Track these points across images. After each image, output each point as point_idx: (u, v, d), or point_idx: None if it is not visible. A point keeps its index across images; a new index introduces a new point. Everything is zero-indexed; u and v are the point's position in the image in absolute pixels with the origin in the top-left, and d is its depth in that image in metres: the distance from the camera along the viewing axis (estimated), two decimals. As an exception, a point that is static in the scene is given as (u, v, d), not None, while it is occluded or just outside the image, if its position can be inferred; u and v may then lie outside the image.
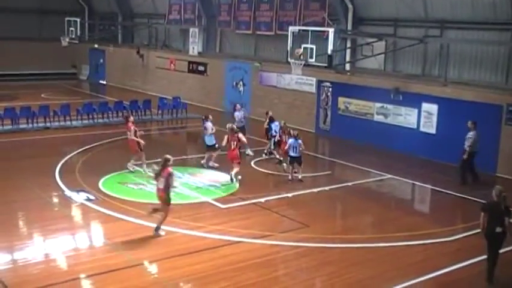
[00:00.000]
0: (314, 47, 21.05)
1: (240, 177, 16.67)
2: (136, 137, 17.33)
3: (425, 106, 20.48)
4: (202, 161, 18.41)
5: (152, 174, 14.16)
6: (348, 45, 24.86)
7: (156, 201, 12.86)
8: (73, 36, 35.72)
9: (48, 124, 24.12)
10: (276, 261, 11.70)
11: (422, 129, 20.66)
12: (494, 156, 18.31)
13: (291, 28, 22.43)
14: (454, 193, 16.44)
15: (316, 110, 24.74)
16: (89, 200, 14.78)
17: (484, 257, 11.04)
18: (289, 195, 15.79)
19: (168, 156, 12.69)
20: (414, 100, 20.77)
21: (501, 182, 14.94)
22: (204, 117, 18.85)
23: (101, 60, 40.43)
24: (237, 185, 16.39)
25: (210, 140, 18.25)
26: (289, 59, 21.70)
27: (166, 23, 36.36)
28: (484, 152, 17.36)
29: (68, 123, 24.56)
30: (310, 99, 24.95)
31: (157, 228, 12.53)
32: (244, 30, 30.11)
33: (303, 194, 16.07)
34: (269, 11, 28.26)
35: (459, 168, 17.39)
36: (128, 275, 10.70)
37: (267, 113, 20.10)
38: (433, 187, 17.22)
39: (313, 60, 21.10)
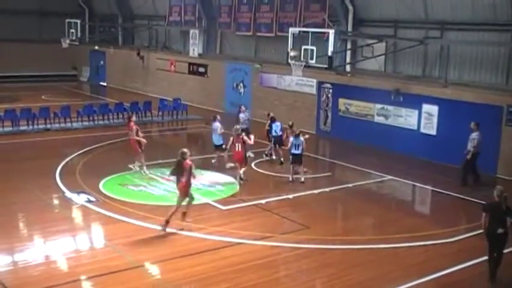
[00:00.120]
0: (314, 48, 21.04)
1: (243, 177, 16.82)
2: (138, 137, 17.36)
3: (426, 107, 20.48)
4: (212, 161, 18.43)
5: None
6: (348, 46, 24.87)
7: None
8: (73, 38, 35.71)
9: (48, 126, 24.13)
10: (277, 262, 11.69)
11: (422, 130, 20.66)
12: (494, 157, 18.29)
13: (291, 29, 22.42)
14: (454, 194, 16.43)
15: (316, 112, 24.74)
16: (89, 201, 14.78)
17: (485, 258, 11.05)
18: (290, 196, 15.78)
19: (185, 149, 13.01)
20: (414, 101, 20.77)
21: (501, 183, 14.84)
22: (212, 117, 18.89)
23: (102, 62, 40.44)
24: (238, 186, 16.42)
25: (217, 140, 18.30)
26: (289, 61, 21.71)
27: (167, 24, 36.39)
28: (484, 153, 17.33)
29: (69, 125, 24.56)
30: (311, 100, 24.95)
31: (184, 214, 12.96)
32: (244, 31, 30.13)
33: (303, 195, 16.06)
34: (269, 12, 28.29)
35: (461, 169, 17.37)
36: (129, 276, 10.70)
37: (268, 115, 20.09)
38: (433, 188, 17.21)
39: (314, 61, 21.09)
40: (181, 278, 10.67)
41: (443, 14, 21.60)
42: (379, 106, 22.12)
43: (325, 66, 21.48)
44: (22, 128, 23.57)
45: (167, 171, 17.55)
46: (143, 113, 27.07)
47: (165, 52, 35.96)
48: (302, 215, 14.66)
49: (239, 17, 30.25)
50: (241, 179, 16.64)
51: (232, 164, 17.80)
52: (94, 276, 10.62)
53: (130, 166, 17.70)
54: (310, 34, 21.39)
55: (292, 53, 21.29)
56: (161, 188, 16.18)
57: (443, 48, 21.56)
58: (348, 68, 24.71)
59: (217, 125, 18.32)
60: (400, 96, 21.24)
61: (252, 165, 18.75)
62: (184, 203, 13.02)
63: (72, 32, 35.70)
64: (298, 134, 17.04)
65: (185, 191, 12.93)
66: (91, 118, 25.59)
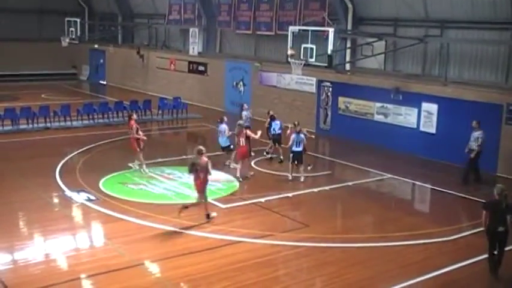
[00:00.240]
0: (314, 46, 21.05)
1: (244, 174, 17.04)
2: (138, 135, 17.36)
3: (425, 106, 20.48)
4: (226, 163, 18.31)
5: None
6: (348, 45, 24.87)
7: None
8: (73, 37, 35.74)
9: (48, 124, 24.14)
10: (277, 261, 11.70)
11: (422, 128, 20.66)
12: (494, 155, 18.29)
13: (291, 28, 22.42)
14: (454, 193, 16.43)
15: (316, 110, 24.74)
16: (89, 200, 14.79)
17: (485, 256, 11.07)
18: (290, 195, 15.79)
19: (201, 147, 13.32)
20: (414, 100, 20.78)
21: (501, 182, 14.93)
22: (219, 119, 18.64)
23: (101, 61, 40.44)
24: (237, 184, 16.45)
25: (224, 142, 18.21)
26: (289, 59, 21.71)
27: (166, 23, 36.38)
28: (484, 151, 17.32)
29: (68, 123, 24.57)
30: (311, 99, 24.95)
31: (208, 215, 13.36)
32: (244, 30, 30.11)
33: (303, 193, 16.08)
34: (269, 11, 28.27)
35: (465, 168, 17.36)
36: (129, 275, 10.71)
37: (268, 112, 20.10)
38: (433, 187, 17.23)
39: (313, 60, 21.10)
40: (181, 276, 10.68)
41: (443, 12, 21.60)
42: (378, 104, 22.12)
43: (325, 64, 21.49)
44: (22, 126, 23.58)
45: (167, 170, 17.71)
46: (143, 111, 27.08)
47: (164, 51, 35.96)
48: (302, 213, 14.70)
49: (239, 16, 30.24)
50: (246, 177, 16.90)
51: (235, 165, 17.82)
52: (94, 275, 10.63)
53: (130, 165, 17.71)
54: (309, 33, 21.38)
55: (289, 52, 21.29)
56: (161, 186, 16.18)
57: (443, 46, 21.55)
58: (347, 66, 24.70)
59: (223, 127, 18.17)
60: (400, 95, 21.25)
61: (252, 163, 18.75)
62: (196, 200, 13.36)
63: (72, 31, 35.73)
64: (300, 131, 17.07)
65: (202, 188, 13.22)
66: (91, 117, 25.60)
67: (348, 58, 24.86)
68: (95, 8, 42.69)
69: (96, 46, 39.82)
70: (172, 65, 33.95)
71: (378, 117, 22.16)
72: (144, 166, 17.40)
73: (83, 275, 10.66)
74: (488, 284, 10.97)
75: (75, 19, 36.01)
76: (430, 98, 20.31)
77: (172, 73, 33.86)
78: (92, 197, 14.95)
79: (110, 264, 11.03)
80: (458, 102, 19.46)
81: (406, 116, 21.16)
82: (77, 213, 14.31)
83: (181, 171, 17.48)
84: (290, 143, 17.11)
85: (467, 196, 16.01)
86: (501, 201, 10.69)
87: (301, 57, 21.25)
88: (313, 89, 24.86)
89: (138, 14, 39.97)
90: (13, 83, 37.52)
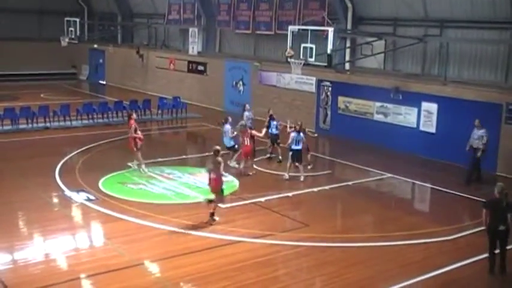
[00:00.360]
0: (314, 46, 21.02)
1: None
2: (137, 134, 17.31)
3: (425, 105, 20.48)
4: (234, 165, 18.23)
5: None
6: (348, 44, 24.86)
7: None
8: (72, 37, 35.71)
9: (48, 124, 24.12)
10: (276, 260, 11.69)
11: (422, 128, 20.66)
12: (494, 155, 18.28)
13: (290, 27, 22.39)
14: (454, 192, 16.43)
15: (316, 110, 24.74)
16: (89, 200, 14.78)
17: (485, 255, 11.07)
18: (290, 194, 15.78)
19: (217, 147, 13.71)
20: (414, 99, 20.77)
21: (501, 181, 14.87)
22: (223, 119, 18.64)
23: (101, 60, 40.43)
24: (237, 184, 16.46)
25: (229, 142, 18.21)
26: (288, 59, 21.70)
27: (166, 22, 36.36)
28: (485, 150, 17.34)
29: (68, 123, 24.55)
30: (310, 98, 24.94)
31: (211, 215, 13.38)
32: (243, 29, 30.10)
33: (303, 193, 16.07)
34: (268, 10, 28.26)
35: (469, 169, 17.33)
36: (128, 275, 10.70)
37: (268, 111, 20.09)
38: (433, 186, 17.22)
39: (313, 59, 21.08)
40: (181, 276, 10.67)
41: (443, 12, 21.60)
42: (378, 104, 22.11)
43: (325, 64, 21.44)
44: (21, 126, 23.56)
45: (166, 170, 17.72)
46: (142, 111, 27.07)
47: (164, 50, 35.95)
48: (302, 213, 14.70)
49: (238, 15, 30.23)
50: (248, 174, 17.16)
51: (236, 165, 17.81)
52: (94, 275, 10.62)
53: (130, 164, 17.70)
54: (309, 32, 21.35)
55: (288, 53, 21.28)
56: (160, 186, 16.17)
57: (443, 46, 21.55)
58: (347, 66, 24.70)
59: (228, 127, 18.17)
60: (400, 94, 21.24)
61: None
62: (211, 197, 13.55)
63: (72, 31, 35.70)
64: (299, 130, 17.06)
65: (215, 188, 13.41)
66: (90, 116, 25.59)
67: (347, 58, 24.86)
68: (95, 7, 42.68)
69: (95, 46, 39.81)
70: (171, 64, 33.94)
71: (378, 117, 22.16)
72: (143, 165, 17.39)
73: (82, 275, 10.65)
74: (488, 283, 10.97)
75: (75, 19, 35.99)
76: (430, 98, 20.30)
77: (172, 73, 33.85)
78: (92, 197, 14.94)
79: (109, 264, 11.02)
80: (458, 101, 19.45)
81: (405, 116, 21.16)
82: (76, 213, 14.30)
83: (180, 171, 17.52)
84: (289, 141, 17.10)
85: (467, 195, 16.00)
86: (501, 200, 10.70)
87: (301, 56, 21.24)
88: (313, 89, 24.85)
89: (138, 14, 39.96)
90: (13, 82, 37.50)
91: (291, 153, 17.05)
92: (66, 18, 36.27)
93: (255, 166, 18.40)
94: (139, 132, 17.51)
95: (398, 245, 12.39)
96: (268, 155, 19.65)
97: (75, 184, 16.00)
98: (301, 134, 17.06)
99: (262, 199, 15.16)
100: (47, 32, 39.60)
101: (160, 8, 36.87)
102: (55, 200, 14.99)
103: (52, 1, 40.02)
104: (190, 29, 32.87)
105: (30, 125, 23.79)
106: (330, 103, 24.13)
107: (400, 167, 18.91)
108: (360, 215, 14.73)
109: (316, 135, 17.45)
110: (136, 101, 27.50)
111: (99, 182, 16.17)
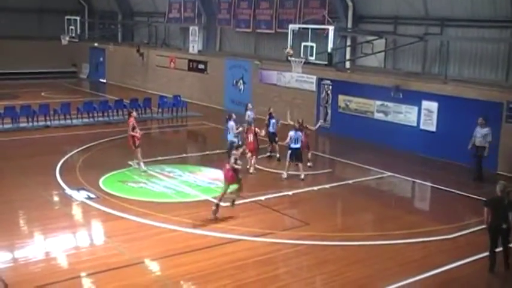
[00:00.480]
0: (314, 45, 21.00)
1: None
2: (135, 133, 17.26)
3: (426, 104, 20.48)
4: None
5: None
6: (348, 43, 24.84)
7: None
8: (73, 35, 35.68)
9: (48, 123, 24.13)
10: (277, 259, 11.69)
11: (422, 127, 20.66)
12: (494, 153, 18.27)
13: (291, 26, 22.37)
14: (454, 190, 16.44)
15: (316, 108, 24.74)
16: (89, 198, 14.79)
17: (486, 254, 11.08)
18: (290, 193, 15.80)
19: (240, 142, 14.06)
20: (414, 98, 20.77)
21: (502, 179, 14.88)
22: (227, 116, 18.66)
23: (101, 59, 40.43)
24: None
25: (232, 139, 18.22)
26: (288, 57, 21.69)
27: (166, 21, 36.34)
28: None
29: (68, 121, 24.57)
30: (311, 97, 24.94)
31: (233, 203, 13.89)
32: (244, 28, 30.09)
33: (303, 192, 16.07)
34: (269, 9, 28.25)
35: (475, 167, 17.31)
36: (129, 273, 10.71)
37: (269, 110, 20.10)
38: (433, 185, 17.23)
39: (313, 58, 21.07)
40: (181, 275, 10.69)
41: (443, 10, 21.58)
42: (378, 103, 22.12)
43: (325, 62, 21.43)
44: (22, 125, 23.58)
45: (167, 168, 17.73)
46: (143, 109, 27.07)
47: (164, 49, 35.93)
48: (302, 211, 14.70)
49: (239, 14, 30.21)
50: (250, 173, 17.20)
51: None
52: (94, 273, 10.64)
53: (130, 163, 17.72)
54: (309, 31, 21.33)
55: (287, 51, 21.27)
56: (161, 184, 16.19)
57: (443, 44, 21.53)
58: (347, 64, 24.68)
59: (231, 124, 18.17)
60: (400, 93, 21.24)
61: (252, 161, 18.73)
62: (229, 190, 13.76)
63: (72, 29, 35.67)
64: (300, 127, 17.05)
65: (230, 180, 13.70)
66: (91, 115, 25.60)
67: (348, 56, 24.84)
68: (95, 6, 42.66)
69: (96, 44, 39.79)
70: (172, 63, 33.93)
71: (378, 115, 22.16)
72: (142, 163, 17.34)
73: (83, 273, 10.67)
74: (488, 282, 10.98)
75: (75, 17, 35.93)
76: (430, 96, 20.30)
77: (172, 71, 33.84)
78: (92, 195, 14.96)
79: (110, 263, 11.03)
80: (458, 100, 19.45)
81: (406, 114, 21.16)
82: (77, 212, 14.31)
83: (181, 169, 17.52)
84: (287, 140, 17.05)
85: (467, 194, 16.01)
86: (503, 198, 10.70)
87: (301, 55, 21.23)
88: (313, 87, 24.85)
89: (138, 12, 39.94)
90: (13, 81, 37.49)
91: (289, 152, 17.03)
92: (66, 17, 36.23)
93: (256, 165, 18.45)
94: (137, 130, 17.45)
95: (398, 244, 12.40)
96: (268, 154, 19.68)
97: (75, 182, 16.01)
98: (300, 132, 16.98)
99: (263, 197, 15.17)
100: (47, 30, 39.56)
101: (160, 6, 36.85)
102: (55, 199, 15.01)
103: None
104: (191, 28, 32.86)
105: (30, 124, 23.80)
106: (330, 102, 24.13)
107: (400, 165, 18.91)
108: (360, 213, 14.75)
109: (321, 121, 17.70)
110: (137, 99, 27.50)
111: (99, 180, 16.19)
